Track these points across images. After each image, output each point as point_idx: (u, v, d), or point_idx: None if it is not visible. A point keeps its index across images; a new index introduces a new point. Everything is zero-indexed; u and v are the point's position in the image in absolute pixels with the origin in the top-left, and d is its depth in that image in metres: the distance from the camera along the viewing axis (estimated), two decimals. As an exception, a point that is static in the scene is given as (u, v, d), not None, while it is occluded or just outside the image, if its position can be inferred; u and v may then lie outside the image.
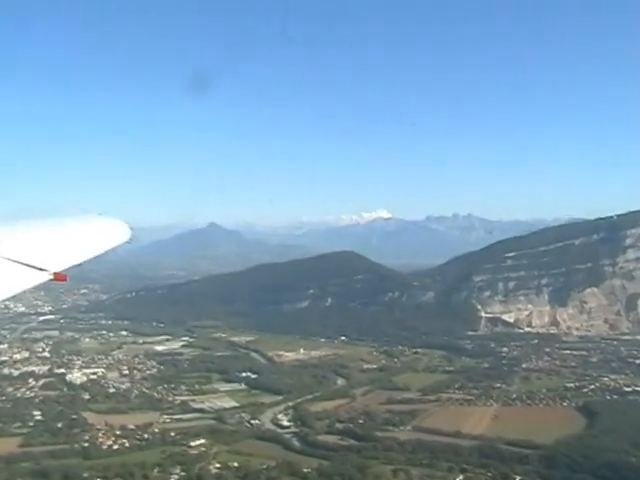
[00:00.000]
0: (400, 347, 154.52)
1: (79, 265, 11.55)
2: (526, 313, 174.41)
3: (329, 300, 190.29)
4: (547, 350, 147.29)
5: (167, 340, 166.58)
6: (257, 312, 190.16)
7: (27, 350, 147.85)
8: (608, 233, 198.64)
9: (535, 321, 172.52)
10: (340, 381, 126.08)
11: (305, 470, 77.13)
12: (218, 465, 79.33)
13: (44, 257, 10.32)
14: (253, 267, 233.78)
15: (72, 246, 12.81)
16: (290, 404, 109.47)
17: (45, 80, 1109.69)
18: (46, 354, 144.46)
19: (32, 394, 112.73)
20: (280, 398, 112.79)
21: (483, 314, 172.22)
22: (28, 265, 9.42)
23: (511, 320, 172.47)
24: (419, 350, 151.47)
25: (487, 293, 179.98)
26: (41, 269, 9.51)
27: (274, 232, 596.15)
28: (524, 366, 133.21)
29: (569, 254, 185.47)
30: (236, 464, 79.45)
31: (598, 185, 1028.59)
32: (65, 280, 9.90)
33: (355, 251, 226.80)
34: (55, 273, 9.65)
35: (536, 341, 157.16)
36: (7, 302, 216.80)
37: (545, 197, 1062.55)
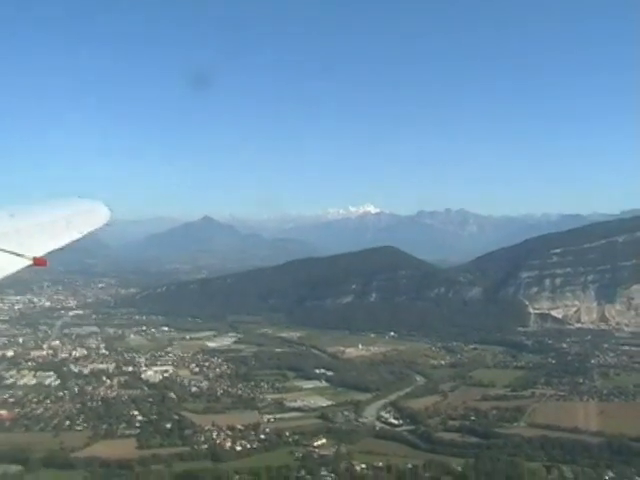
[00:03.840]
0: (455, 343, 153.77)
1: (61, 249, 11.44)
2: (574, 309, 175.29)
3: (373, 296, 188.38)
4: (606, 346, 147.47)
5: (214, 336, 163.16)
6: (297, 308, 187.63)
7: (82, 347, 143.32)
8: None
9: (584, 317, 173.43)
10: (419, 378, 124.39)
11: (458, 469, 75.08)
12: (363, 465, 76.85)
13: (24, 242, 10.26)
14: (288, 262, 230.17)
15: (52, 230, 12.66)
16: (385, 401, 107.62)
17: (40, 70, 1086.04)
18: (104, 351, 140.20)
19: (114, 393, 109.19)
20: (370, 395, 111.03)
21: (532, 310, 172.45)
22: (6, 251, 9.35)
23: (559, 316, 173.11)
24: (477, 346, 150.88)
25: (535, 289, 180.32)
26: (20, 255, 9.42)
27: (264, 226, 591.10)
28: (593, 362, 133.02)
29: (613, 251, 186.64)
30: (380, 464, 77.09)
31: (586, 182, 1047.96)
32: (45, 265, 9.70)
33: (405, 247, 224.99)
34: (35, 258, 9.53)
35: (589, 337, 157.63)
36: (32, 297, 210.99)
37: (534, 193, 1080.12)
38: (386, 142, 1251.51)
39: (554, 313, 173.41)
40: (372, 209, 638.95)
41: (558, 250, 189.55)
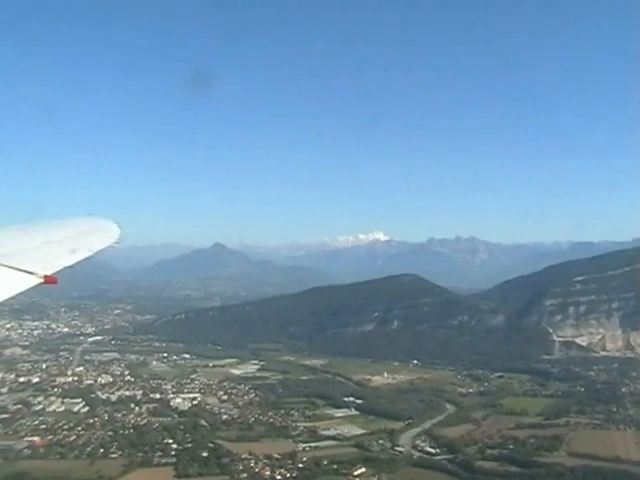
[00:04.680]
0: (480, 371, 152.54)
1: (71, 267, 11.35)
2: (599, 337, 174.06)
3: (395, 323, 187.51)
4: (634, 374, 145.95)
5: (237, 364, 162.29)
6: (318, 335, 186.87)
7: (106, 373, 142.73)
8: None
9: (609, 345, 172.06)
10: (449, 406, 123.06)
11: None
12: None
13: (34, 260, 10.32)
14: (307, 290, 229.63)
15: (62, 248, 12.64)
16: (418, 429, 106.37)
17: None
18: (129, 378, 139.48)
19: (144, 421, 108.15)
20: (402, 424, 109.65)
21: (556, 338, 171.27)
22: (19, 269, 9.39)
23: (584, 344, 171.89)
24: (502, 374, 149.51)
25: (558, 317, 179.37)
26: (31, 273, 9.46)
27: (274, 253, 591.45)
28: (624, 390, 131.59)
29: (637, 278, 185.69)
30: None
31: (595, 210, 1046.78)
32: (55, 283, 9.70)
33: (418, 274, 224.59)
34: (45, 276, 9.58)
35: (616, 365, 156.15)
36: (49, 322, 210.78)
37: (544, 221, 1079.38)
38: (395, 170, 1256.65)
39: (578, 341, 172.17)
40: (381, 236, 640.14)
41: (581, 278, 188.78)
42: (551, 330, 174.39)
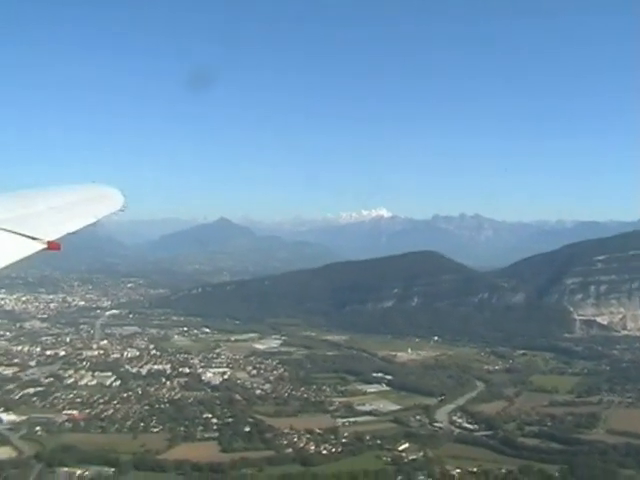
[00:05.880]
0: (502, 348, 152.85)
1: (74, 233, 11.29)
2: (619, 316, 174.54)
3: (415, 300, 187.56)
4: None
5: (259, 338, 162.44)
6: (336, 311, 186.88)
7: (131, 347, 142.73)
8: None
9: (630, 324, 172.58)
10: (478, 383, 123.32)
11: (555, 474, 74.26)
12: (458, 470, 76.00)
13: (37, 226, 10.23)
14: (325, 265, 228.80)
15: (66, 214, 12.60)
16: (452, 406, 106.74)
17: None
18: (154, 352, 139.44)
19: (178, 395, 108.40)
20: (435, 400, 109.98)
21: (577, 317, 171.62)
22: (21, 234, 9.34)
23: (605, 323, 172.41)
24: (526, 352, 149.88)
25: (579, 296, 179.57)
26: (34, 238, 9.39)
27: (279, 228, 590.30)
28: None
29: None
30: (475, 469, 76.27)
31: (600, 190, 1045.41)
32: (59, 249, 9.59)
33: (449, 249, 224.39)
34: (49, 242, 9.50)
35: (638, 344, 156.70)
36: (64, 296, 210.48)
37: (549, 199, 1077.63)
38: (398, 146, 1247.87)
39: (599, 320, 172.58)
40: (384, 213, 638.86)
41: (602, 257, 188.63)
42: (572, 309, 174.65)
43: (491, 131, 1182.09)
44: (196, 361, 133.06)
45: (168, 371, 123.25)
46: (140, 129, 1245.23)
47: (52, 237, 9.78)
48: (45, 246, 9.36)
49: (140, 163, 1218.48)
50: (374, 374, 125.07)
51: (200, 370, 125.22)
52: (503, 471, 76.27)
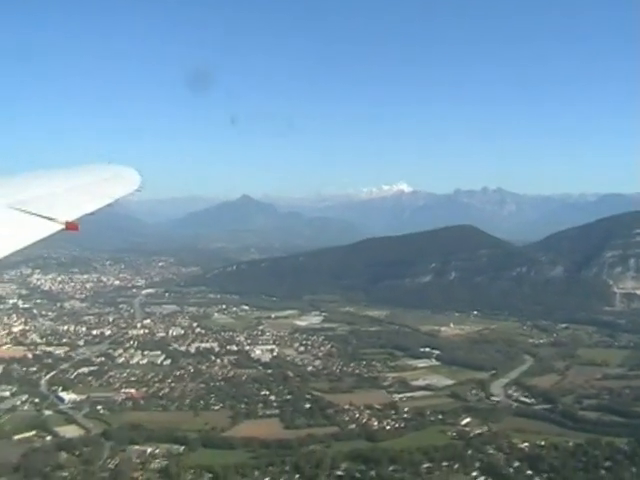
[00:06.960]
0: (544, 322, 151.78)
1: (92, 214, 11.23)
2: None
3: (453, 274, 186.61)
4: None
5: (299, 315, 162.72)
6: (374, 287, 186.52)
7: (174, 325, 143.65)
8: None
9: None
10: (526, 356, 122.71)
11: (625, 448, 73.79)
12: (526, 444, 75.83)
13: (55, 207, 10.22)
14: (360, 241, 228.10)
15: (83, 195, 12.57)
16: (505, 380, 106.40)
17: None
18: (199, 330, 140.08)
19: (231, 373, 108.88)
20: (487, 374, 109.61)
21: (617, 290, 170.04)
22: (39, 215, 9.36)
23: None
24: (568, 325, 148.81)
25: (619, 269, 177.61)
26: (52, 219, 9.41)
27: (300, 204, 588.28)
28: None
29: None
30: (542, 443, 76.06)
31: (621, 162, 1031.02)
32: (77, 229, 9.57)
33: (473, 225, 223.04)
34: (67, 222, 9.50)
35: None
36: (98, 275, 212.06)
37: (572, 172, 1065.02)
38: (417, 120, 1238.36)
39: (639, 293, 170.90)
40: (405, 188, 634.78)
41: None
42: (611, 282, 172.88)
43: (513, 102, 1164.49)
44: (242, 338, 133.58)
45: (216, 349, 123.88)
46: (160, 111, 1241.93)
47: (69, 218, 9.82)
48: (63, 227, 9.39)
49: (161, 143, 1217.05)
50: (421, 349, 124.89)
51: (247, 347, 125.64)
52: (571, 444, 75.92)
